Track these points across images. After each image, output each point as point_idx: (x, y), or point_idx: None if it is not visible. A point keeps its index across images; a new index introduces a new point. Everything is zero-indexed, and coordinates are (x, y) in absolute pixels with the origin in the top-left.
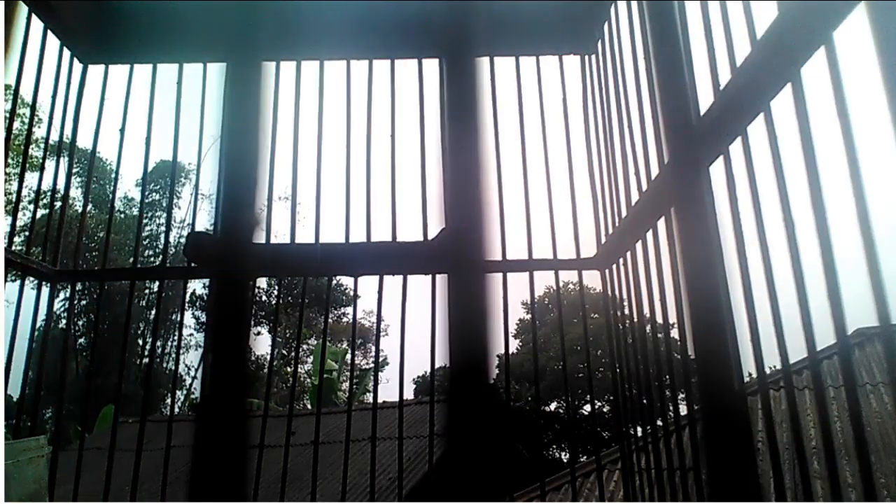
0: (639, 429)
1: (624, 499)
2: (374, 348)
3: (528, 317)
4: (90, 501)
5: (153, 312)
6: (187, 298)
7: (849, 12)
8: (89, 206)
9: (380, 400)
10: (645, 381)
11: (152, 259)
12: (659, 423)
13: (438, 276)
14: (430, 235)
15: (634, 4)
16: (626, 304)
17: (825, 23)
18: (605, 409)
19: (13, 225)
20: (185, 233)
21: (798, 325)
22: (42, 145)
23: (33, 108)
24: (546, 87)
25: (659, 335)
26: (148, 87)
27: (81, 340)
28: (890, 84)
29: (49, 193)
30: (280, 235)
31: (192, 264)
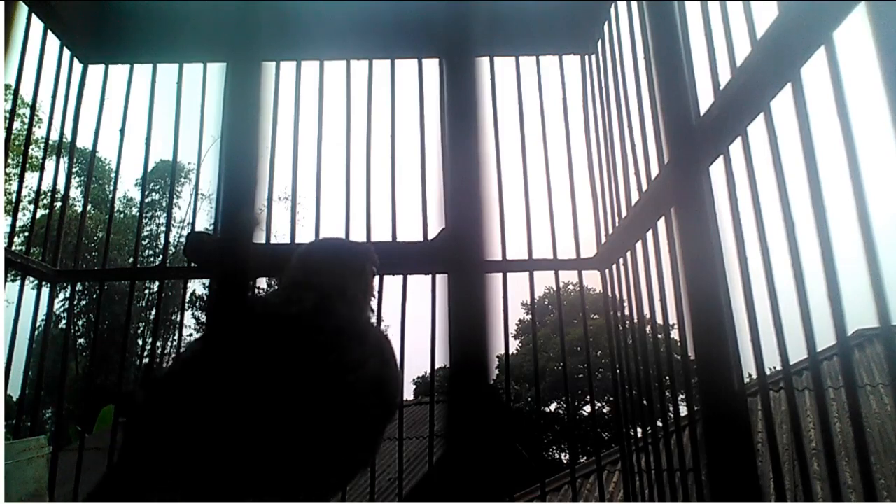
0: (639, 429)
1: (624, 499)
2: None
3: (528, 317)
4: (90, 502)
5: (153, 312)
6: (187, 298)
7: (849, 12)
8: (89, 207)
9: None
10: (645, 381)
11: (152, 259)
12: (659, 423)
13: (438, 276)
14: (430, 235)
15: (634, 4)
16: (626, 304)
17: (825, 23)
18: (605, 410)
19: (13, 225)
20: (185, 233)
21: (798, 326)
22: (42, 145)
23: (33, 108)
24: (546, 87)
25: (659, 336)
26: (148, 87)
27: (81, 341)
28: (890, 84)
29: (49, 193)
30: (280, 235)
31: (192, 264)
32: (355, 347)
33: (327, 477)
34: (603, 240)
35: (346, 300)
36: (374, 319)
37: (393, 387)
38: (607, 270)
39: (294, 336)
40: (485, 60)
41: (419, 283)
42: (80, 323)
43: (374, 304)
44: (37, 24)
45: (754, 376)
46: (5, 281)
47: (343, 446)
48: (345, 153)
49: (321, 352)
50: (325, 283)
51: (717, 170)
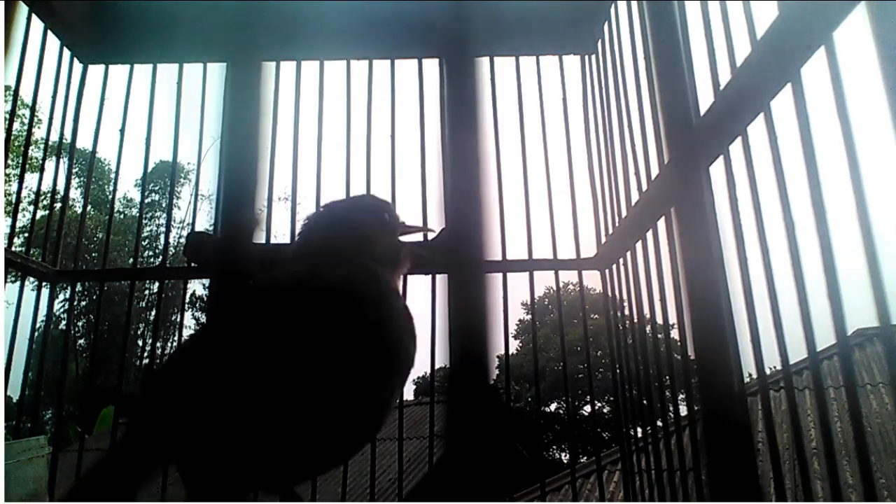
0: (639, 429)
1: (624, 499)
2: None
3: (528, 317)
4: (90, 502)
5: (153, 313)
6: (187, 299)
7: (849, 12)
8: (89, 207)
9: None
10: (645, 381)
11: (152, 260)
12: (659, 423)
13: (438, 276)
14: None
15: (634, 4)
16: (626, 304)
17: (825, 23)
18: (605, 410)
19: (13, 226)
20: (185, 233)
21: (798, 326)
22: (42, 146)
23: (33, 108)
24: (546, 87)
25: (659, 336)
26: (148, 87)
27: (81, 341)
28: (890, 84)
29: (49, 194)
30: (280, 235)
31: (192, 264)
32: (347, 306)
33: (335, 443)
34: (603, 240)
35: (347, 264)
36: (396, 283)
37: (395, 338)
38: (607, 270)
39: (282, 306)
40: (485, 60)
41: (419, 283)
42: (80, 324)
43: (399, 265)
44: (37, 24)
45: (754, 376)
46: (5, 281)
47: (346, 407)
48: (345, 153)
49: (311, 316)
50: (320, 254)
51: (717, 170)
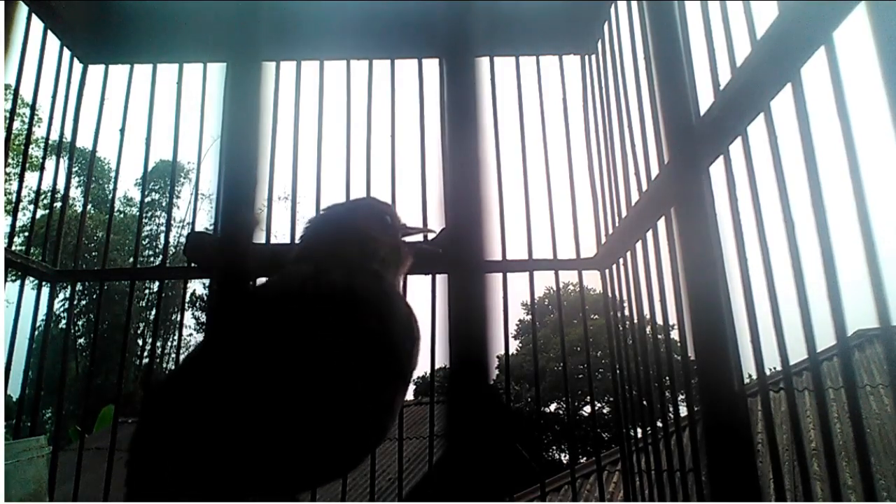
0: (639, 430)
1: (624, 499)
2: None
3: (528, 318)
4: (90, 502)
5: (153, 312)
6: (187, 299)
7: (849, 12)
8: (89, 207)
9: None
10: (645, 382)
11: (152, 259)
12: (659, 424)
13: (438, 276)
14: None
15: (634, 4)
16: (626, 304)
17: (825, 23)
18: (605, 411)
19: (13, 225)
20: (185, 233)
21: (798, 326)
22: (42, 145)
23: (33, 108)
24: (546, 87)
25: (659, 336)
26: (148, 87)
27: (81, 341)
28: (890, 84)
29: (49, 193)
30: (280, 235)
31: (192, 264)
32: (350, 311)
33: (339, 450)
34: (603, 240)
35: (347, 267)
36: (396, 281)
37: (398, 343)
38: (607, 270)
39: (285, 311)
40: (485, 60)
41: (419, 283)
42: (80, 323)
43: (402, 267)
44: (37, 24)
45: (754, 377)
46: (5, 281)
47: (349, 412)
48: (345, 153)
49: (314, 321)
50: (323, 255)
51: (717, 170)
